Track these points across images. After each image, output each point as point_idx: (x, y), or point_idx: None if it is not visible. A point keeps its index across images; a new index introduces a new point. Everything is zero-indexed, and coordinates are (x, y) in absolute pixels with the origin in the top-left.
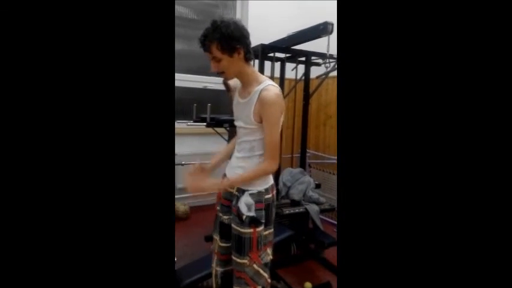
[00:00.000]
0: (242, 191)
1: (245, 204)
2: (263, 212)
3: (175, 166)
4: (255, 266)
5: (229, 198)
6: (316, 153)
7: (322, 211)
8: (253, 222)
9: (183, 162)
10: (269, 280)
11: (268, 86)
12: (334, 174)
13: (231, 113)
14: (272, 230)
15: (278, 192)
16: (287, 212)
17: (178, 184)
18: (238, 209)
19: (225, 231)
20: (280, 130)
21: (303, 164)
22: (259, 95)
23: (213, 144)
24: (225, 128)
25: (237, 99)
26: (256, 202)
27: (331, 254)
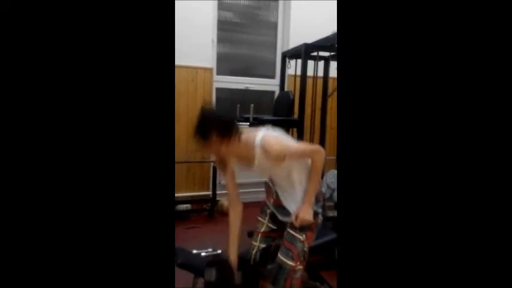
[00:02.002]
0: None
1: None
2: (321, 203)
3: None
4: (305, 244)
5: (281, 206)
6: None
7: None
8: (315, 215)
9: None
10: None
11: (259, 142)
12: None
13: (272, 113)
14: (322, 218)
15: (323, 196)
16: (331, 214)
17: (222, 180)
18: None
19: (275, 218)
20: (294, 146)
21: None
22: (262, 153)
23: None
24: None
25: (243, 167)
26: (317, 196)
27: None
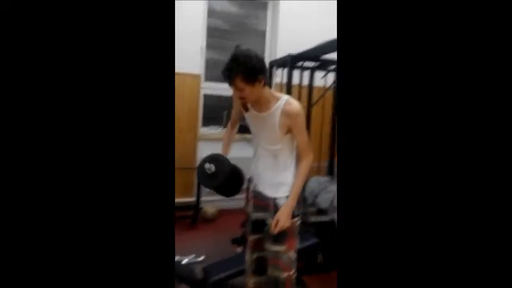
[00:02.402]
0: (278, 199)
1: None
2: (296, 205)
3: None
4: (290, 252)
5: (261, 199)
6: None
7: None
8: (293, 217)
9: None
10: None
11: (288, 100)
12: None
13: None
14: (300, 220)
15: (305, 200)
16: (313, 219)
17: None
18: (277, 206)
19: (257, 226)
20: (305, 129)
21: (331, 172)
22: (282, 110)
23: (240, 150)
24: None
25: (253, 113)
26: None
27: None
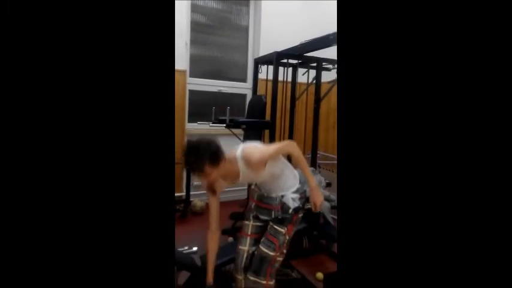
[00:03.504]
0: (281, 196)
1: (291, 199)
2: (303, 200)
3: None
4: (287, 236)
5: (265, 202)
6: (326, 154)
7: (332, 208)
8: (297, 211)
9: None
10: (285, 251)
11: (241, 154)
12: None
13: (246, 116)
14: (302, 214)
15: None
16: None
17: (195, 181)
18: (284, 206)
19: (259, 218)
20: (270, 148)
21: (313, 164)
22: (245, 163)
23: (228, 145)
24: (242, 128)
25: (226, 182)
26: (300, 193)
27: None
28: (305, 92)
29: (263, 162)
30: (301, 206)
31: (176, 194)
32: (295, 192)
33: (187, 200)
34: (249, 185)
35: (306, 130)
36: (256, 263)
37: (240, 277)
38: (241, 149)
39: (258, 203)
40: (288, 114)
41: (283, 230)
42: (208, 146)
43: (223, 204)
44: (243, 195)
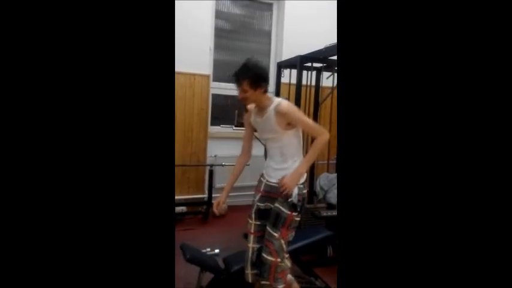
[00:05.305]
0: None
1: (294, 193)
2: (300, 203)
3: (216, 167)
4: (282, 241)
5: (269, 191)
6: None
7: None
8: (293, 207)
9: (223, 163)
10: (287, 255)
11: (279, 102)
12: None
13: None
14: (299, 218)
15: (316, 195)
16: (324, 214)
17: (217, 184)
18: (287, 193)
19: (261, 214)
20: (306, 118)
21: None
22: (275, 110)
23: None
24: None
25: (255, 119)
26: (298, 195)
27: None
28: (329, 96)
29: (289, 121)
30: (299, 207)
31: (198, 196)
32: (298, 184)
33: (209, 202)
34: None
35: (330, 134)
36: (261, 267)
37: (248, 271)
38: (277, 102)
39: (264, 193)
40: (311, 119)
41: (276, 234)
42: (255, 68)
43: (243, 208)
44: None
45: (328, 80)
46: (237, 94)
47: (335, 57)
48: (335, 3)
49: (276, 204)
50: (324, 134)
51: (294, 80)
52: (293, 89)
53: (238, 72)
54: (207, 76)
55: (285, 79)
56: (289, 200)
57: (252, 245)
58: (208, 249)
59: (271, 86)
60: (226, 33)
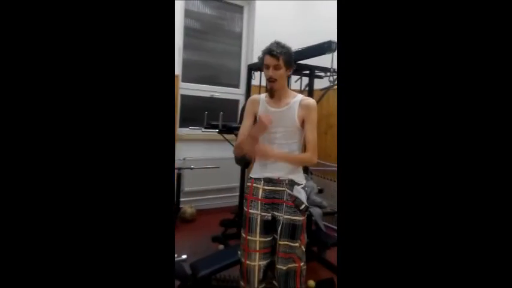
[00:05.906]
0: (292, 185)
1: (303, 195)
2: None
3: (185, 170)
4: (302, 247)
5: (272, 197)
6: (318, 161)
7: (324, 215)
8: (305, 210)
9: (192, 166)
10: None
11: (304, 97)
12: (334, 181)
13: (238, 121)
14: None
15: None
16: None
17: (186, 187)
18: (296, 200)
19: (267, 227)
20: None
21: (305, 171)
22: (300, 103)
23: (220, 151)
24: (235, 134)
25: (267, 109)
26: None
27: (333, 254)
28: None
29: (306, 118)
30: (307, 206)
31: None
32: (303, 188)
33: (177, 206)
34: (241, 190)
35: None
36: (284, 278)
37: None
38: (302, 96)
39: (263, 200)
40: None
41: (297, 244)
42: (290, 50)
43: (211, 212)
44: (234, 201)
45: (297, 83)
46: (207, 96)
47: (303, 62)
48: (306, 5)
49: (286, 216)
50: (314, 156)
51: (264, 83)
52: (263, 91)
53: (275, 47)
54: (176, 76)
55: (255, 81)
56: (302, 207)
57: (257, 262)
58: (175, 256)
59: (241, 87)
60: (196, 32)
